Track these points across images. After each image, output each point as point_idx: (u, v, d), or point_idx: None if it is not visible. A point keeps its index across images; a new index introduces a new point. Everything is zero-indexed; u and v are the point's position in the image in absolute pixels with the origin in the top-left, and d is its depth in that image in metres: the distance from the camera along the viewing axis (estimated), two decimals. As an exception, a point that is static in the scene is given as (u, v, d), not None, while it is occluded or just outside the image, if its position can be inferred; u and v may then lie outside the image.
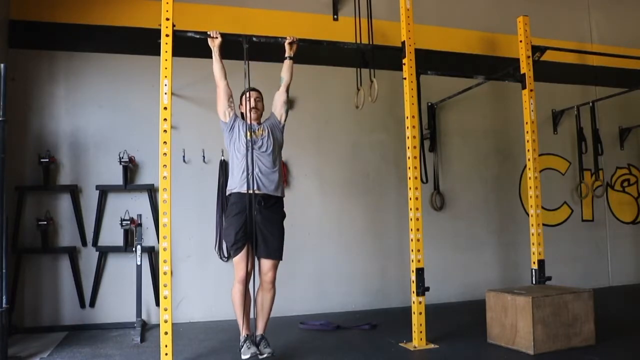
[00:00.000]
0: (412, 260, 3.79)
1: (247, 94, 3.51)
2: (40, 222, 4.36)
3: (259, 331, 3.40)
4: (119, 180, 4.58)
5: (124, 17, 4.77)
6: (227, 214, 3.44)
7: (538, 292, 3.58)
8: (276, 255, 3.36)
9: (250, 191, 3.29)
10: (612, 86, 5.93)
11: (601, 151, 6.06)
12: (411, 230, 3.81)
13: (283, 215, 3.47)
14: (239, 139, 3.42)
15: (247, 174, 3.31)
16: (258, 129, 3.46)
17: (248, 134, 3.38)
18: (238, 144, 3.42)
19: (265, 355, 3.23)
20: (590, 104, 5.91)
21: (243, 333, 3.35)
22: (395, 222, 5.25)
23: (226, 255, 4.79)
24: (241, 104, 3.59)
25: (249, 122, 3.42)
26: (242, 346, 3.29)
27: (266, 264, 3.35)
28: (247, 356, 3.18)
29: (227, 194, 3.49)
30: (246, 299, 3.33)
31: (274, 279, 3.36)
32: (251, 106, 3.46)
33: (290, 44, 3.68)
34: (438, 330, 3.99)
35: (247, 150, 3.35)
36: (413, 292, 3.76)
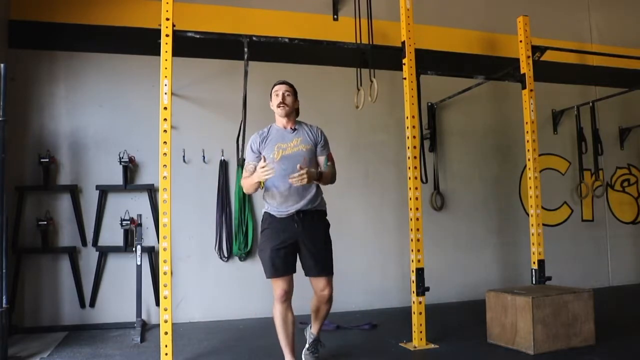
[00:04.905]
0: (412, 260, 3.79)
1: (275, 87, 3.11)
2: (40, 222, 4.36)
3: (314, 332, 3.35)
4: (119, 180, 4.58)
5: (124, 17, 4.77)
6: (262, 229, 3.09)
7: (538, 292, 3.58)
8: (326, 271, 3.05)
9: (283, 215, 3.00)
10: (612, 86, 5.93)
11: (601, 151, 6.06)
12: (411, 230, 3.81)
13: (326, 226, 3.15)
14: (271, 160, 2.97)
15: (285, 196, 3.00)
16: (291, 141, 3.05)
17: (276, 153, 3.00)
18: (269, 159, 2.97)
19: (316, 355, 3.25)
20: (590, 104, 5.91)
21: (286, 358, 3.02)
22: (395, 222, 5.25)
23: (226, 255, 4.80)
24: (271, 100, 3.13)
25: (280, 125, 3.10)
26: None
27: (319, 282, 3.05)
28: None
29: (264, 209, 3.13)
30: (287, 321, 2.99)
31: (331, 294, 3.07)
32: (279, 101, 3.04)
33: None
34: (438, 330, 4.00)
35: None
36: (413, 292, 3.76)
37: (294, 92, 3.13)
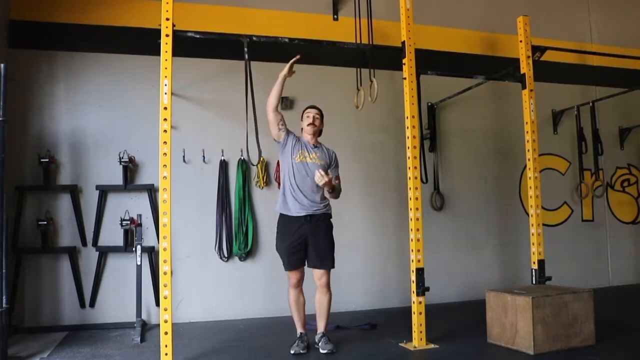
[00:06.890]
0: (412, 260, 3.79)
1: (308, 110, 3.78)
2: (40, 222, 4.36)
3: (320, 329, 3.68)
4: (119, 180, 4.58)
5: (124, 17, 4.77)
6: (278, 229, 3.71)
7: (538, 292, 3.58)
8: (323, 265, 3.62)
9: (295, 215, 3.59)
10: (612, 86, 5.93)
11: (601, 151, 6.06)
12: (411, 230, 3.81)
13: (329, 227, 3.71)
14: (291, 160, 3.62)
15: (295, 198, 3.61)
16: (312, 153, 3.66)
17: (298, 156, 3.62)
18: (289, 164, 3.62)
19: (326, 351, 3.55)
20: (590, 104, 5.91)
21: (298, 331, 3.71)
22: (395, 222, 5.25)
23: (226, 255, 4.80)
24: (302, 120, 3.78)
25: (306, 139, 3.71)
26: (295, 342, 3.64)
27: (317, 272, 3.65)
28: (292, 351, 3.58)
29: (276, 208, 3.71)
30: (299, 302, 3.70)
31: (326, 283, 3.65)
32: (310, 122, 3.70)
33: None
34: (438, 330, 3.99)
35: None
36: (413, 292, 3.76)
37: (322, 116, 3.80)
